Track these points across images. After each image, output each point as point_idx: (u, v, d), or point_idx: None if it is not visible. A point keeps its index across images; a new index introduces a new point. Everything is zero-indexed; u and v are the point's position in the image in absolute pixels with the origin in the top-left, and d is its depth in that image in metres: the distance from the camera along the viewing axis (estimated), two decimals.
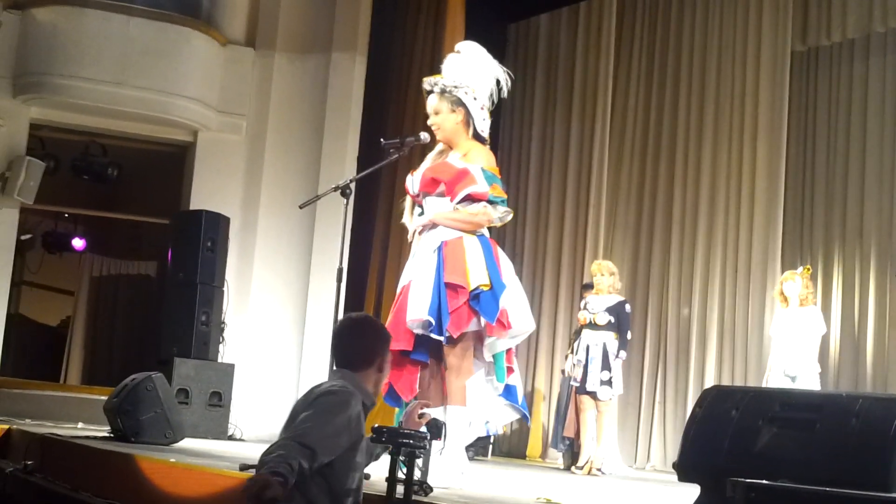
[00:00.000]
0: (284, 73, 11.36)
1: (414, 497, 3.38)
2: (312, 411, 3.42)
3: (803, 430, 3.37)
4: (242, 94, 11.32)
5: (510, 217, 5.29)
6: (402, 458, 3.27)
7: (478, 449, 10.15)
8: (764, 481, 3.14)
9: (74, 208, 13.78)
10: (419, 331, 4.92)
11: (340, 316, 5.63)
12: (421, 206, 5.28)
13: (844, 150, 10.96)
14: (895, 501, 2.95)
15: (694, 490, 3.50)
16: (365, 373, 3.65)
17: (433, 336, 4.90)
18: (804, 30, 10.96)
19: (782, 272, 9.57)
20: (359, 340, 3.72)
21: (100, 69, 10.60)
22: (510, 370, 5.20)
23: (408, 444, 3.17)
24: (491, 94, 5.37)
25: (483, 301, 4.92)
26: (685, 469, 3.56)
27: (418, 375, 5.12)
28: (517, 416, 5.36)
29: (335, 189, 5.51)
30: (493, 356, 5.14)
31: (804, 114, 11.34)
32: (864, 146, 10.80)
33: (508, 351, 5.21)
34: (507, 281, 5.06)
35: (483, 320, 4.94)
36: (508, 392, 5.18)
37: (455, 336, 4.90)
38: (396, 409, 5.28)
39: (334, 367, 3.73)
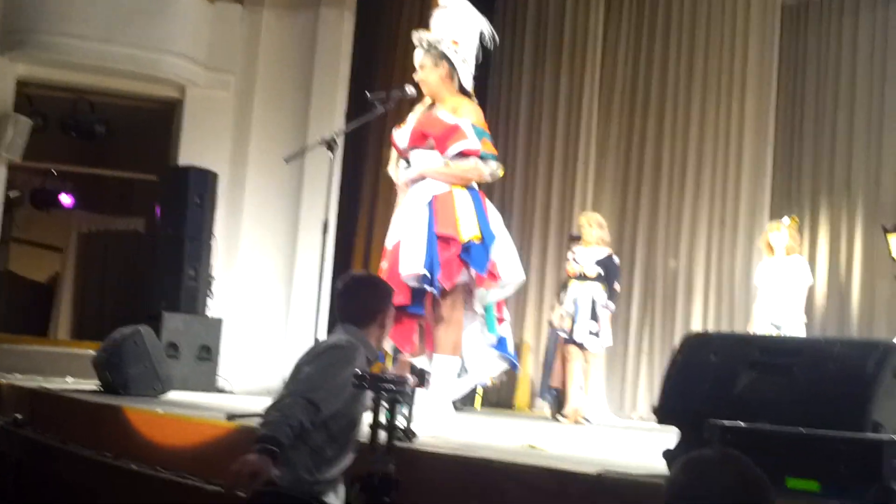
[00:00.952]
0: (272, 29, 11.31)
1: (397, 443, 3.40)
2: (317, 365, 3.51)
3: (781, 374, 3.42)
4: (231, 51, 11.27)
5: (501, 173, 5.32)
6: (384, 403, 3.30)
7: (465, 399, 10.22)
8: (740, 423, 3.19)
9: (62, 165, 13.75)
10: (414, 284, 4.95)
11: (326, 268, 5.67)
12: (407, 160, 5.28)
13: (833, 103, 10.99)
14: (869, 441, 3.00)
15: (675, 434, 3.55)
16: (368, 329, 3.75)
17: (427, 288, 4.93)
18: None
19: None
20: (362, 297, 3.82)
21: (88, 26, 10.53)
22: (500, 320, 5.24)
23: (389, 390, 3.20)
24: (477, 48, 5.38)
25: (474, 253, 4.95)
26: (665, 413, 3.61)
27: (416, 328, 5.14)
28: (507, 366, 5.41)
29: (321, 143, 5.51)
30: (484, 307, 5.18)
31: (793, 67, 11.35)
32: (852, 99, 10.83)
33: (499, 301, 5.25)
34: (497, 232, 5.09)
35: (473, 272, 4.97)
36: (500, 343, 5.23)
37: (447, 288, 4.94)
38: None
39: (338, 323, 3.80)
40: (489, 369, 5.33)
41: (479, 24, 5.37)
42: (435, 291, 4.93)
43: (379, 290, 3.92)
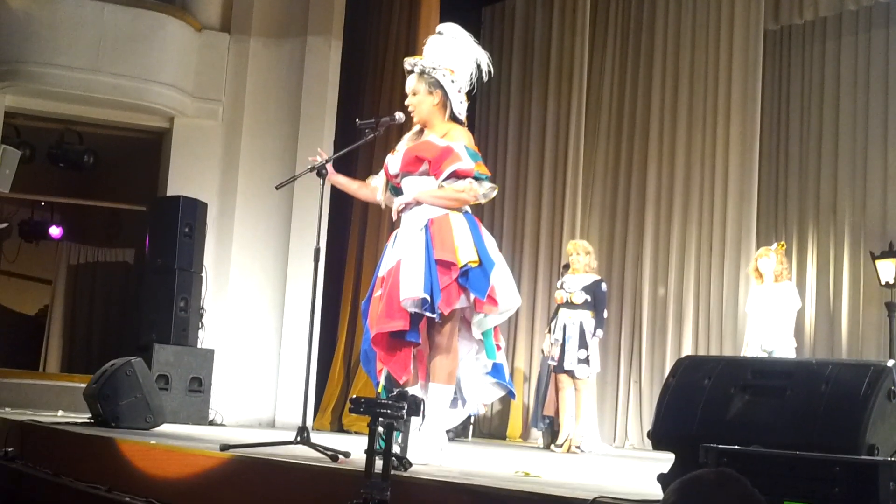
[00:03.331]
0: (260, 57, 11.36)
1: (393, 471, 3.39)
2: None
3: (774, 396, 3.42)
4: (218, 80, 11.31)
5: (495, 193, 5.29)
6: (380, 430, 3.29)
7: (458, 430, 10.22)
8: (736, 447, 3.20)
9: (51, 196, 13.75)
10: (413, 309, 4.89)
11: (318, 296, 5.64)
12: (398, 186, 5.26)
13: (818, 128, 11.07)
14: (864, 463, 3.00)
15: (669, 459, 3.55)
16: None
17: (427, 314, 4.90)
18: (777, 8, 11.05)
19: (757, 249, 9.65)
20: None
21: (75, 56, 10.57)
22: (497, 347, 5.22)
23: (385, 415, 3.19)
24: (471, 77, 5.37)
25: (472, 277, 4.91)
26: (659, 438, 3.60)
27: (411, 356, 5.11)
28: (503, 393, 5.38)
29: (311, 170, 5.49)
30: (483, 334, 5.15)
31: (777, 92, 11.44)
32: (836, 123, 10.91)
33: (495, 329, 5.22)
34: (494, 258, 5.07)
35: (472, 296, 4.95)
36: (496, 370, 5.20)
37: (445, 313, 4.91)
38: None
39: None
40: (485, 397, 5.30)
41: (476, 55, 5.36)
42: (435, 317, 4.90)
43: None
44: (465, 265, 4.89)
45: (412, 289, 4.86)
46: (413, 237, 5.02)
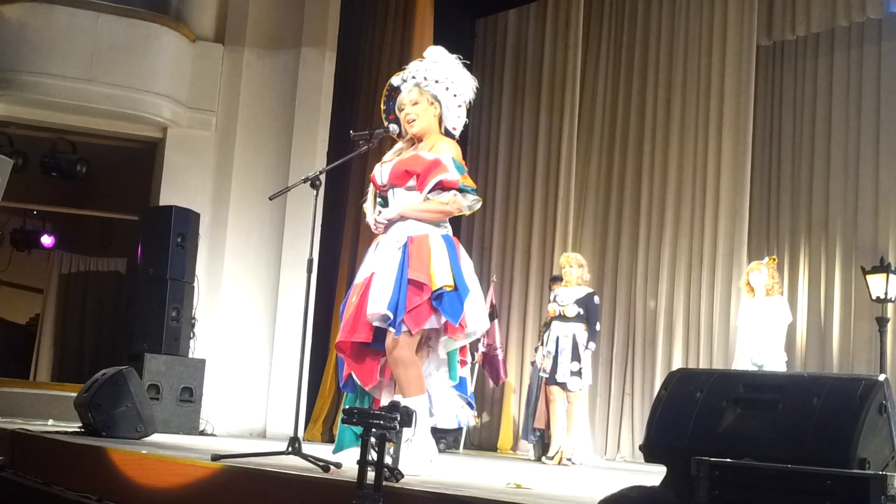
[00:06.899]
0: (254, 68, 11.37)
1: (384, 483, 3.39)
2: None
3: (767, 410, 3.42)
4: (212, 90, 11.32)
5: (479, 206, 5.30)
6: (373, 441, 3.29)
7: (449, 442, 10.23)
8: (727, 460, 3.20)
9: (43, 205, 13.73)
10: (378, 324, 4.94)
11: (310, 307, 5.64)
12: (385, 196, 5.27)
13: (809, 143, 11.11)
14: (855, 476, 3.01)
15: (661, 472, 3.56)
16: None
17: (390, 329, 4.93)
18: (769, 24, 11.09)
19: (748, 263, 9.68)
20: None
21: (68, 65, 10.57)
22: (463, 362, 5.25)
23: (378, 426, 3.19)
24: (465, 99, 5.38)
25: (446, 301, 4.92)
26: (651, 450, 3.61)
27: (379, 364, 5.14)
28: (462, 404, 5.39)
29: (305, 180, 5.49)
30: (448, 353, 5.18)
31: (770, 107, 11.48)
32: (828, 138, 10.95)
33: (462, 347, 5.25)
34: (470, 283, 5.07)
35: (442, 319, 4.96)
36: (460, 383, 5.24)
37: (413, 332, 4.93)
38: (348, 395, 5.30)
39: None
40: (459, 414, 5.31)
41: (465, 73, 5.37)
42: (395, 333, 4.91)
43: None
44: (440, 288, 4.90)
45: (377, 305, 4.90)
46: (391, 253, 5.04)
